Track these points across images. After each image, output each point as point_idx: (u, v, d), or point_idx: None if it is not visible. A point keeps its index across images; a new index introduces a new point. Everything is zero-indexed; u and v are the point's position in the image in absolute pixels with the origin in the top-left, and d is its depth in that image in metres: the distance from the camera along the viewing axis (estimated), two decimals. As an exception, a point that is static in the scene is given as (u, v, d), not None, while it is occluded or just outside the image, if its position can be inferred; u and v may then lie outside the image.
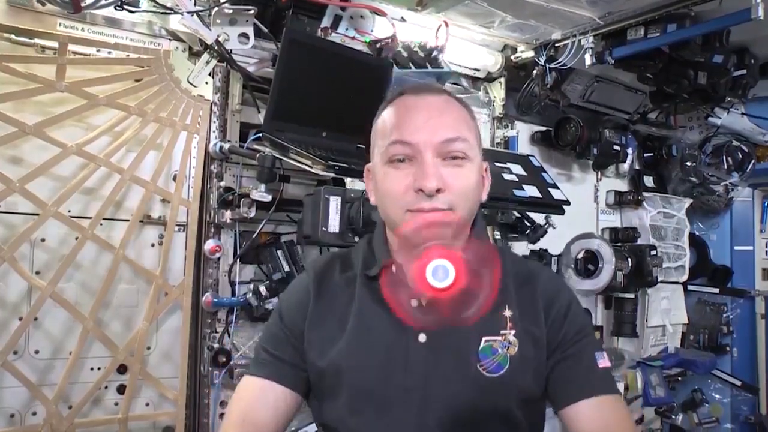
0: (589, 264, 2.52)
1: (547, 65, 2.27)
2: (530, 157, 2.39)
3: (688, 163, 3.00)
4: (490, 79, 2.49)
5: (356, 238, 1.70)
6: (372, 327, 0.96)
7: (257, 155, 1.70)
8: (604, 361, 0.96)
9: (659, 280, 2.78)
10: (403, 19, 2.05)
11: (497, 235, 2.41)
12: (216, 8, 1.69)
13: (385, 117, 0.98)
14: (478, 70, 2.44)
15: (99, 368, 1.65)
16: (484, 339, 0.91)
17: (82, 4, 1.53)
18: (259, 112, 1.86)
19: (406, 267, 0.83)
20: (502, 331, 0.92)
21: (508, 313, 0.94)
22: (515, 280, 0.98)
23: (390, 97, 1.02)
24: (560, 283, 1.04)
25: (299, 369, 1.00)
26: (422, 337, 0.92)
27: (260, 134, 1.74)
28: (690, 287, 3.21)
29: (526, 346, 0.93)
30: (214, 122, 1.82)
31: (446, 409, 0.90)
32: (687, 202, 3.10)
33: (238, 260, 1.84)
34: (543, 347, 0.94)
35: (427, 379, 0.91)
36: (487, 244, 1.05)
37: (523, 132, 2.62)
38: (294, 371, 1.00)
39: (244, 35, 1.74)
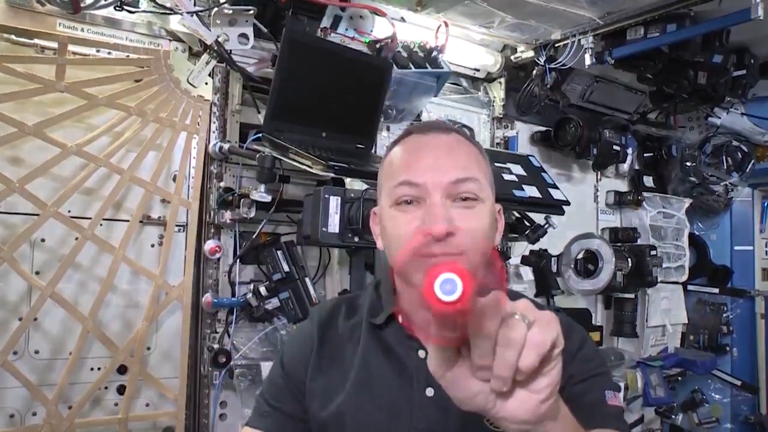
0: (589, 264, 2.53)
1: (546, 65, 2.27)
2: (530, 158, 2.39)
3: (688, 163, 3.01)
4: (489, 79, 2.50)
5: (356, 239, 1.70)
6: (376, 379, 0.92)
7: (257, 155, 1.70)
8: (614, 400, 0.88)
9: (659, 280, 2.78)
10: (402, 20, 2.05)
11: (497, 235, 2.41)
12: (216, 9, 1.69)
13: (392, 157, 0.93)
14: (477, 70, 2.44)
15: (99, 368, 1.65)
16: None
17: (82, 5, 1.54)
18: (259, 113, 1.86)
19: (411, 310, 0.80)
20: None
21: None
22: None
23: (397, 138, 0.97)
24: (572, 326, 0.97)
25: (300, 421, 0.97)
26: (429, 391, 0.87)
27: (260, 134, 1.75)
28: (690, 287, 3.21)
29: None
30: (214, 122, 1.82)
31: None
32: (687, 202, 3.11)
33: (237, 260, 1.84)
34: None
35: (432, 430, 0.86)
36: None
37: (522, 132, 2.62)
38: (294, 424, 0.97)
39: (244, 35, 1.74)
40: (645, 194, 2.96)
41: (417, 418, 0.87)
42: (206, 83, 1.78)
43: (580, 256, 2.53)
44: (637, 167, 3.08)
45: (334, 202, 1.69)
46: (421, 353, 0.90)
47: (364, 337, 0.96)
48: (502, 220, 0.97)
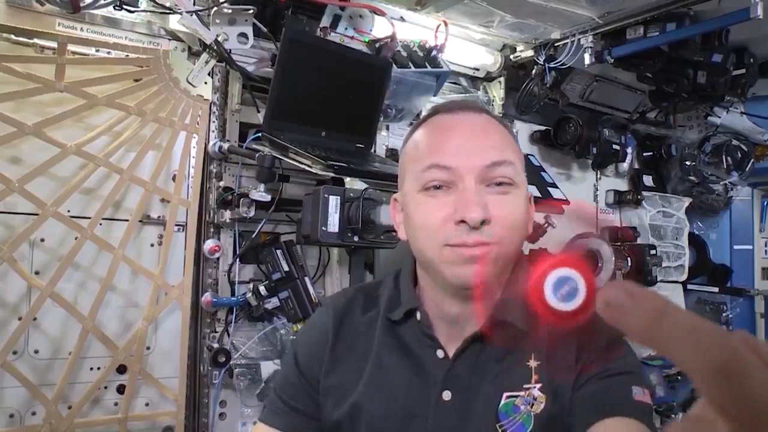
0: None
1: (546, 64, 2.27)
2: (530, 157, 2.39)
3: (688, 163, 3.01)
4: (489, 78, 2.50)
5: (355, 238, 1.70)
6: (391, 379, 0.87)
7: (256, 155, 1.70)
8: (642, 396, 0.78)
9: (659, 279, 2.78)
10: (402, 19, 2.05)
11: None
12: (215, 8, 1.69)
13: (418, 139, 0.85)
14: (477, 69, 2.44)
15: (98, 368, 1.65)
16: (505, 395, 0.79)
17: (81, 4, 1.54)
18: (259, 112, 1.86)
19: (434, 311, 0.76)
20: (525, 386, 0.80)
21: (533, 363, 0.81)
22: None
23: (422, 118, 0.90)
24: (600, 320, 0.83)
25: (315, 420, 0.93)
26: (447, 395, 0.82)
27: (259, 134, 1.75)
28: (689, 286, 3.21)
29: (555, 402, 0.79)
30: (214, 122, 1.82)
31: None
32: (686, 201, 3.10)
33: (237, 260, 1.84)
34: (568, 395, 0.79)
35: None
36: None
37: (522, 131, 2.62)
38: (308, 422, 0.93)
39: (244, 35, 1.74)
40: (644, 193, 2.96)
41: (433, 423, 0.82)
42: (206, 83, 1.78)
43: (580, 255, 2.53)
44: (636, 166, 3.08)
45: (334, 202, 1.69)
46: (440, 353, 0.85)
47: (380, 333, 0.90)
48: (533, 207, 0.89)
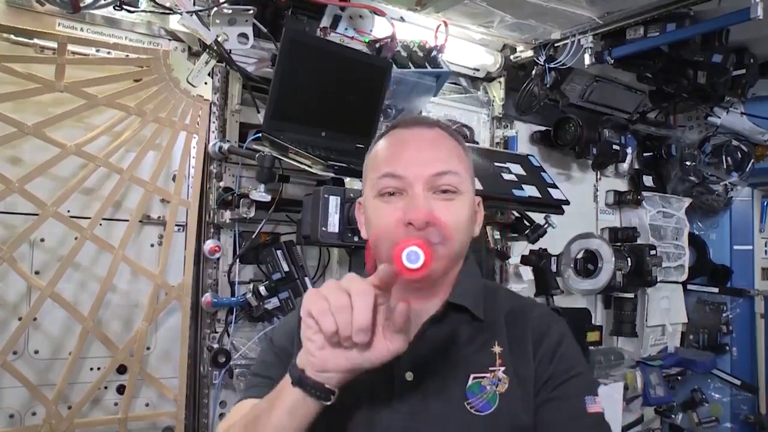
0: (588, 264, 2.53)
1: (546, 65, 2.27)
2: (530, 157, 2.39)
3: (688, 163, 3.01)
4: (489, 78, 2.50)
5: (356, 238, 1.70)
6: None
7: (256, 155, 1.70)
8: (594, 406, 0.88)
9: (659, 279, 2.78)
10: (402, 19, 2.05)
11: (497, 235, 2.42)
12: (215, 8, 1.69)
13: (377, 150, 0.97)
14: (477, 69, 2.44)
15: (98, 368, 1.65)
16: (471, 376, 0.88)
17: (81, 4, 1.54)
18: (259, 112, 1.86)
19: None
20: (491, 368, 0.89)
21: (497, 349, 0.91)
22: (507, 317, 0.95)
23: (384, 131, 1.01)
24: (553, 319, 0.97)
25: None
26: (409, 375, 0.89)
27: (259, 134, 1.75)
28: (689, 287, 3.21)
29: (516, 383, 0.88)
30: (214, 122, 1.82)
31: None
32: (686, 201, 3.11)
33: (237, 260, 1.84)
34: (531, 384, 0.89)
35: (414, 418, 0.87)
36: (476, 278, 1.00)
37: (522, 132, 2.62)
38: None
39: (244, 35, 1.74)
40: (644, 194, 2.96)
41: (398, 403, 0.88)
42: (206, 83, 1.78)
43: (580, 255, 2.53)
44: (636, 167, 3.08)
45: (334, 202, 1.69)
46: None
47: None
48: (482, 211, 1.00)
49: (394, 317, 0.73)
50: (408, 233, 0.85)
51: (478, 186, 1.98)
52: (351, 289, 0.71)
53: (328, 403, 0.75)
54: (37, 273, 1.59)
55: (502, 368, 0.89)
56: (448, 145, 0.95)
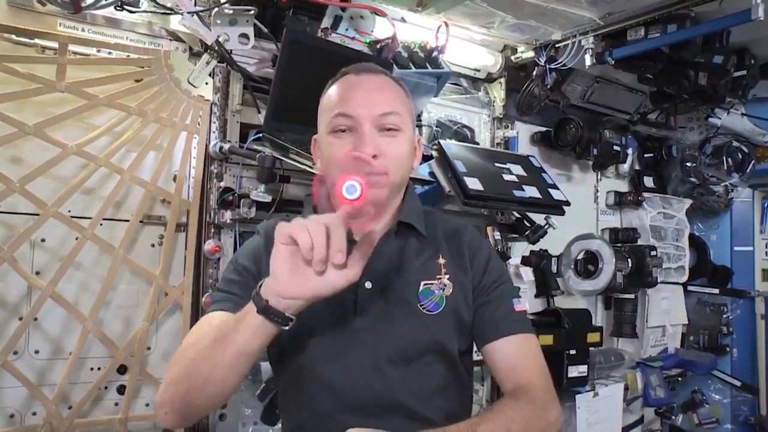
0: (589, 264, 2.53)
1: (547, 66, 2.27)
2: (530, 158, 2.39)
3: (688, 164, 3.01)
4: (490, 79, 2.50)
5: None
6: None
7: (257, 156, 1.70)
8: (520, 306, 1.12)
9: (659, 280, 2.78)
10: (403, 20, 2.05)
11: (497, 235, 2.42)
12: (216, 9, 1.69)
13: (331, 93, 1.09)
14: (478, 70, 2.44)
15: (99, 368, 1.65)
16: (422, 283, 1.06)
17: (83, 5, 1.54)
18: (259, 113, 1.86)
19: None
20: (438, 276, 1.08)
21: (441, 260, 1.10)
22: (445, 234, 1.14)
23: (336, 76, 1.12)
24: (481, 239, 1.19)
25: None
26: (368, 284, 1.04)
27: (260, 134, 1.75)
28: (690, 288, 3.21)
29: (458, 288, 1.08)
30: (214, 122, 1.82)
31: (394, 344, 1.02)
32: (687, 202, 3.10)
33: (238, 260, 1.84)
34: (470, 290, 1.10)
35: (376, 319, 1.03)
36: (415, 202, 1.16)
37: (523, 132, 2.62)
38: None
39: (244, 35, 1.75)
40: (645, 195, 2.96)
41: (361, 308, 1.04)
42: (206, 83, 1.78)
43: (580, 256, 2.53)
44: (637, 168, 3.08)
45: (335, 203, 1.68)
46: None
47: None
48: (421, 148, 1.17)
49: (361, 246, 0.84)
50: (357, 165, 0.96)
51: (479, 186, 2.00)
52: (323, 219, 0.80)
53: (287, 327, 0.85)
54: (37, 273, 1.59)
55: (447, 276, 1.08)
56: (393, 90, 1.09)
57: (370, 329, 1.03)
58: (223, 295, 1.07)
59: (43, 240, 1.61)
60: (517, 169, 2.21)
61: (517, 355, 1.08)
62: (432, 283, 1.07)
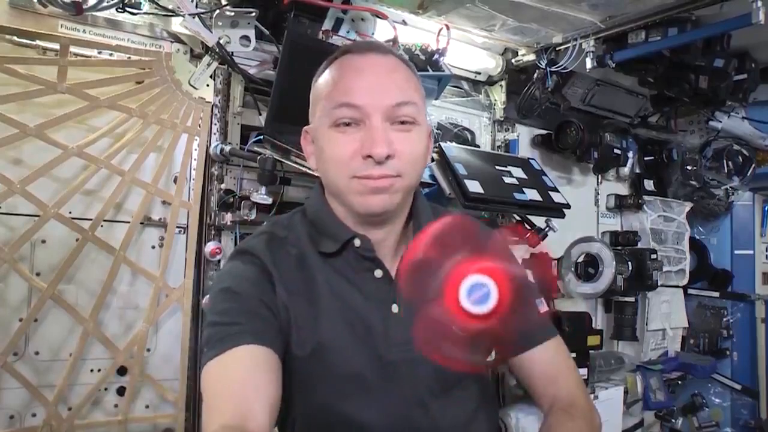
0: (589, 267, 2.52)
1: (548, 68, 2.27)
2: (531, 161, 2.39)
3: (689, 167, 3.00)
4: (491, 82, 2.50)
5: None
6: (348, 306, 0.91)
7: (258, 157, 1.70)
8: (542, 306, 1.07)
9: (659, 283, 2.77)
10: (404, 22, 2.05)
11: (497, 237, 2.41)
12: (217, 10, 1.69)
13: (329, 77, 0.92)
14: (479, 73, 2.44)
15: (99, 370, 1.65)
16: None
17: (84, 6, 1.54)
18: (260, 115, 1.86)
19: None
20: None
21: None
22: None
23: (334, 55, 0.95)
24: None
25: (276, 329, 0.89)
26: (395, 308, 0.91)
27: (261, 136, 1.75)
28: (690, 291, 3.21)
29: None
30: (215, 124, 1.82)
31: (432, 372, 0.91)
32: (687, 205, 3.10)
33: (238, 262, 1.84)
34: None
35: (408, 346, 0.87)
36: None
37: (523, 135, 2.62)
38: (272, 328, 0.88)
39: (246, 37, 1.75)
40: (645, 198, 2.96)
41: (391, 334, 0.90)
42: (207, 85, 1.78)
43: (581, 259, 2.53)
44: (637, 171, 3.08)
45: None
46: (378, 273, 0.92)
47: (321, 268, 0.93)
48: (432, 142, 0.98)
49: None
50: (366, 166, 0.84)
51: (480, 189, 1.99)
52: None
53: None
54: (38, 274, 1.59)
55: None
56: (405, 74, 0.92)
57: (405, 359, 0.90)
58: (237, 329, 0.86)
59: (43, 241, 1.61)
60: (518, 172, 2.21)
61: (554, 362, 1.01)
62: None
